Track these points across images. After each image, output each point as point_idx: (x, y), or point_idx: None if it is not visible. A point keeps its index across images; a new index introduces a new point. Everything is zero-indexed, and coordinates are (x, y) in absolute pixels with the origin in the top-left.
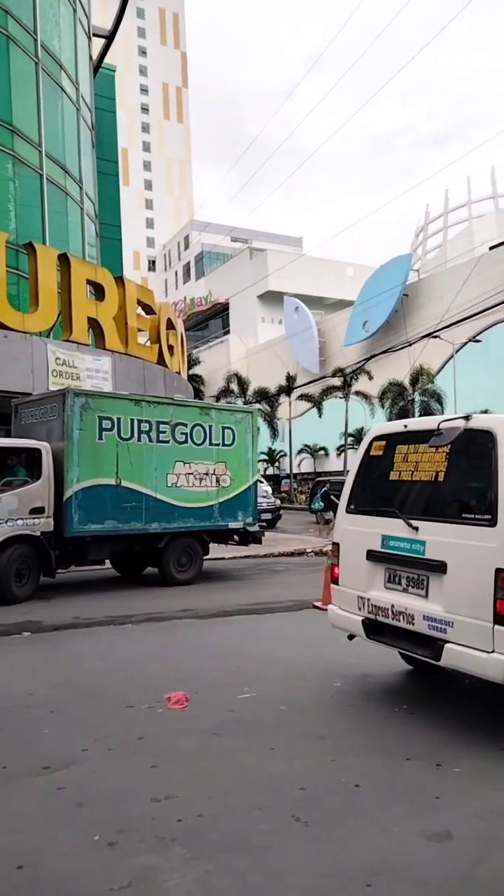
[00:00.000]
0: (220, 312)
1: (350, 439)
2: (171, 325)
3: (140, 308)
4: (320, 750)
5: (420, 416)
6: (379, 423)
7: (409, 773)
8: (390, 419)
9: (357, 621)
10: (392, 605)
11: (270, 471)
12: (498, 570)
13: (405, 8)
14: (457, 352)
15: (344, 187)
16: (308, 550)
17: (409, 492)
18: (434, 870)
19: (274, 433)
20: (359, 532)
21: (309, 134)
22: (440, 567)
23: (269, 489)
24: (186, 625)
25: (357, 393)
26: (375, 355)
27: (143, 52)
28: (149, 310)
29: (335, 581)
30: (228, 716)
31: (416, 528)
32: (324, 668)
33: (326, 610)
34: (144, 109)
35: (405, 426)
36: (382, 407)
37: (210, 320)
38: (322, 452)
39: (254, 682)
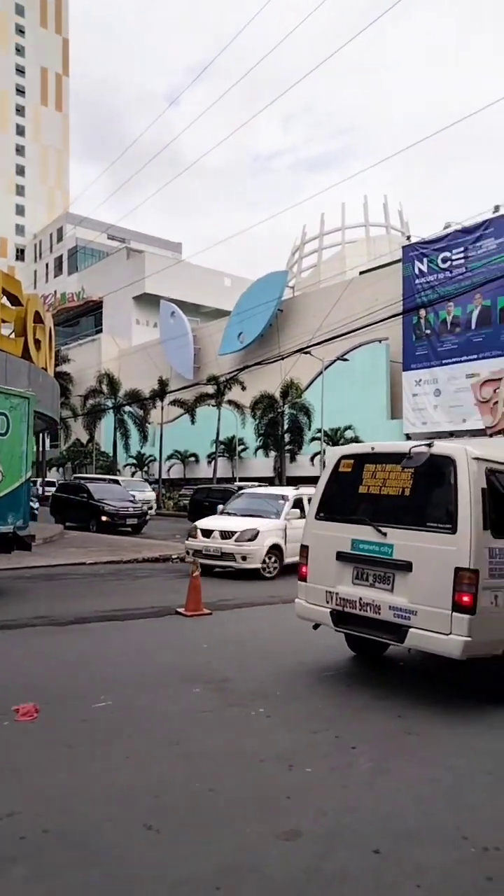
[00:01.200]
0: (92, 310)
1: (221, 447)
2: (38, 319)
3: (5, 298)
4: (175, 757)
5: (288, 427)
6: (250, 432)
7: (262, 776)
8: (260, 429)
9: (325, 612)
10: (360, 598)
11: (139, 475)
12: (457, 569)
13: (296, 31)
14: (326, 368)
15: (222, 201)
16: (174, 556)
17: (377, 503)
18: (282, 867)
19: (144, 437)
20: (328, 536)
21: (189, 143)
22: (406, 566)
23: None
24: (41, 633)
25: (230, 402)
26: (249, 366)
27: (20, 31)
28: (14, 300)
29: (302, 578)
30: (82, 726)
31: (385, 534)
32: (184, 674)
33: (190, 616)
34: (20, 91)
35: (372, 448)
36: (254, 417)
37: (82, 317)
38: (193, 459)
39: (110, 691)
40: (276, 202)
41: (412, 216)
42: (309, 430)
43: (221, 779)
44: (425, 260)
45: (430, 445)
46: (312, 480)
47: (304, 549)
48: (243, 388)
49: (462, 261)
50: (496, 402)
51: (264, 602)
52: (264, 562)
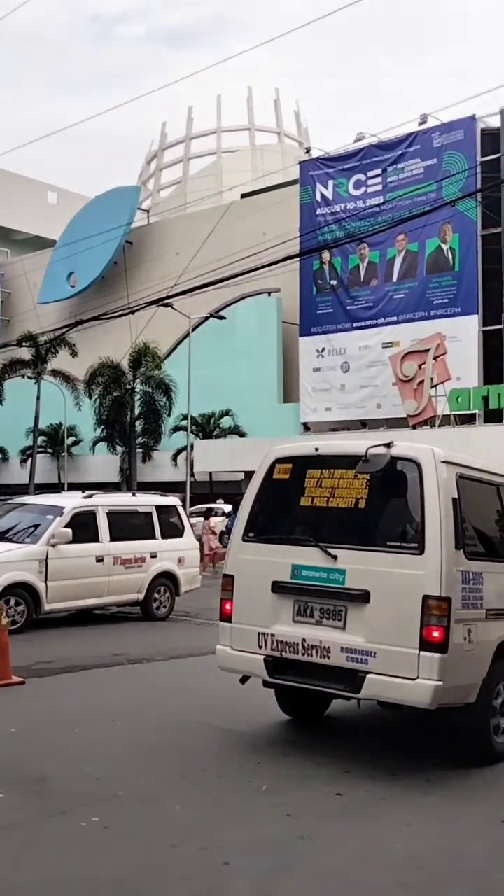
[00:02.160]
0: None
1: (42, 439)
2: None
3: None
4: None
5: (142, 412)
6: (86, 417)
7: None
8: (101, 413)
9: (257, 661)
10: (303, 640)
11: None
12: (425, 598)
13: None
14: (194, 329)
15: (43, 80)
16: None
17: (324, 519)
18: None
19: None
20: (260, 562)
21: None
22: (362, 596)
23: None
24: None
25: (55, 373)
26: (84, 321)
27: None
28: None
29: (226, 619)
30: None
31: (335, 557)
32: None
33: None
34: None
35: (316, 449)
36: (90, 396)
37: None
38: None
39: None
40: (123, 86)
41: (313, 121)
42: (170, 415)
43: None
44: (330, 183)
45: (389, 446)
46: (176, 487)
47: (228, 581)
48: (74, 354)
49: (379, 188)
50: (422, 382)
51: (99, 663)
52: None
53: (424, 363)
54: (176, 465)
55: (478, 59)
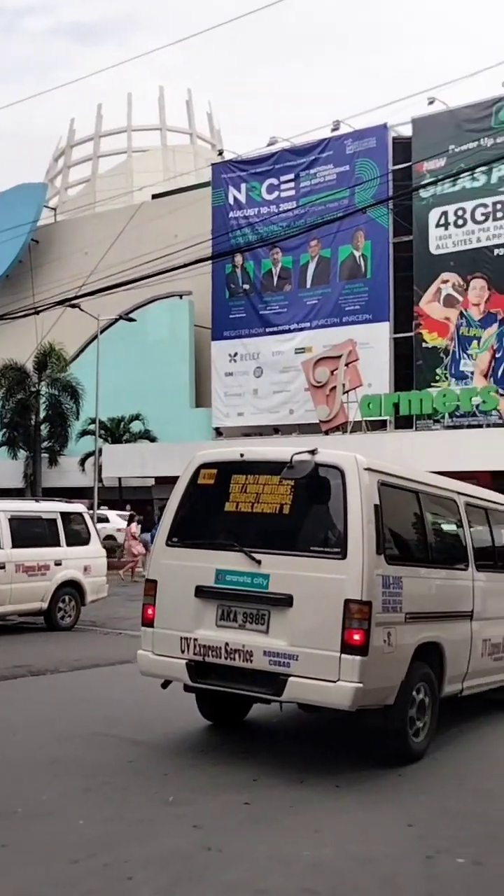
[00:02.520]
0: None
1: None
2: None
3: None
4: None
5: (47, 415)
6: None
7: None
8: (2, 416)
9: (179, 665)
10: (226, 644)
11: None
12: (347, 601)
13: None
14: (103, 331)
15: None
16: None
17: (248, 523)
18: None
19: None
20: (184, 567)
21: None
22: (285, 600)
23: None
24: None
25: None
26: None
27: None
28: None
29: (148, 623)
30: None
31: (259, 562)
32: None
33: None
34: None
35: (241, 455)
36: None
37: None
38: None
39: None
40: (30, 81)
41: (226, 124)
42: (78, 419)
43: None
44: (243, 186)
45: (313, 452)
46: (83, 493)
47: (151, 585)
48: None
49: (292, 192)
50: (334, 388)
51: (2, 676)
52: None
53: (336, 369)
54: (84, 470)
55: (390, 67)
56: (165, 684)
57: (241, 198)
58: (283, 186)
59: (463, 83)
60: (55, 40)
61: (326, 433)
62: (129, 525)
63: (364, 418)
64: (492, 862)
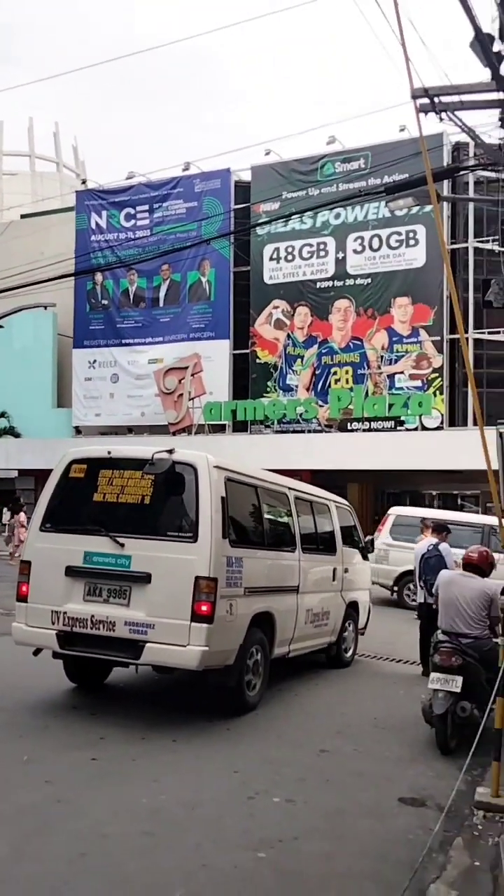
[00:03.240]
0: None
1: None
2: None
3: None
4: None
5: None
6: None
7: None
8: None
9: (49, 635)
10: (91, 616)
11: None
12: (197, 578)
13: None
14: None
15: None
16: None
17: (114, 512)
18: None
19: None
20: (56, 549)
21: None
22: (145, 578)
23: None
24: None
25: None
26: None
27: None
28: None
29: (22, 599)
30: None
31: (123, 545)
32: None
33: None
34: None
35: (108, 452)
36: None
37: None
38: None
39: None
40: None
41: (89, 157)
42: None
43: None
44: (104, 213)
45: (171, 452)
46: None
47: (25, 566)
48: None
49: (146, 221)
50: (181, 395)
51: None
52: None
53: (183, 378)
54: None
55: (235, 119)
56: (37, 652)
57: (102, 223)
58: (139, 216)
59: (295, 138)
60: None
61: (174, 434)
62: (16, 513)
63: (206, 422)
64: (300, 799)
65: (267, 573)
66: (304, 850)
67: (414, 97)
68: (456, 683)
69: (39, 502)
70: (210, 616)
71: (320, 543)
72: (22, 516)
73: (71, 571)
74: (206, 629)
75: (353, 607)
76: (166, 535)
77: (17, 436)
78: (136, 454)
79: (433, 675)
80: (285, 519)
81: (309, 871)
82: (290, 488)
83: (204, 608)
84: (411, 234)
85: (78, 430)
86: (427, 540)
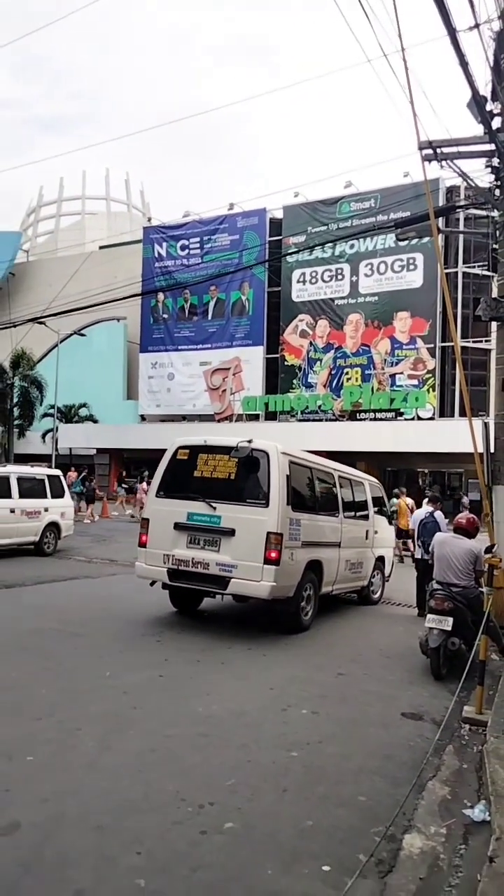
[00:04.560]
0: None
1: None
2: None
3: None
4: None
5: (19, 401)
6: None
7: None
8: None
9: (162, 571)
10: (192, 558)
11: None
12: (268, 533)
13: None
14: (62, 341)
15: None
16: None
17: (208, 484)
18: None
19: None
20: (167, 510)
21: None
22: (230, 532)
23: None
24: None
25: None
26: None
27: None
28: None
29: (142, 545)
30: None
31: (215, 508)
32: None
33: None
34: None
35: (205, 441)
36: None
37: None
38: None
39: None
40: (7, 156)
41: (152, 199)
42: (41, 405)
43: None
44: (165, 244)
45: (250, 441)
46: (44, 459)
47: (145, 522)
48: None
49: (198, 250)
50: (224, 390)
51: None
52: None
53: (226, 377)
54: (44, 442)
55: (271, 166)
56: (153, 583)
57: (163, 252)
58: (191, 246)
59: (319, 184)
60: (25, 127)
61: (218, 421)
62: (141, 483)
63: (244, 412)
64: (323, 711)
65: (317, 531)
66: (327, 751)
67: (420, 148)
68: (447, 623)
69: (155, 476)
70: (277, 560)
71: (357, 510)
72: (145, 485)
73: (178, 526)
74: (274, 570)
75: (380, 560)
76: (246, 502)
77: (95, 422)
78: (225, 443)
79: (429, 616)
80: (331, 492)
81: (330, 767)
82: (335, 469)
83: (273, 555)
84: (411, 261)
85: (143, 418)
86: (425, 508)
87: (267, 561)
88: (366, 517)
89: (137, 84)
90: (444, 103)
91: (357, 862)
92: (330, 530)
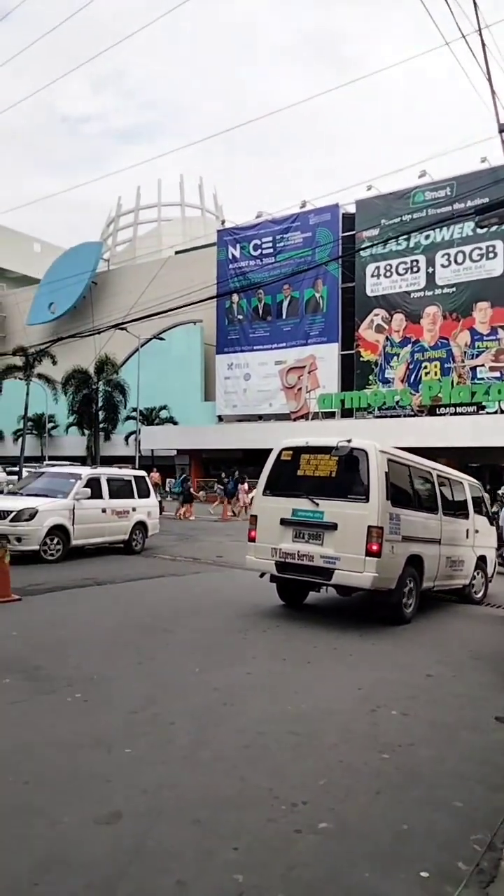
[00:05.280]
0: None
1: (30, 424)
2: None
3: None
4: None
5: (104, 405)
6: (61, 408)
7: (80, 762)
8: (73, 405)
9: (270, 563)
10: (298, 551)
11: None
12: (369, 527)
13: None
14: (142, 346)
15: (29, 164)
16: None
17: (311, 482)
18: (102, 852)
19: None
20: (273, 507)
21: None
22: (333, 526)
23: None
24: None
25: (40, 376)
26: (63, 338)
27: None
28: None
29: (251, 540)
30: None
31: (318, 504)
32: None
33: None
34: None
35: (307, 442)
36: (65, 393)
37: None
38: None
39: None
40: (88, 169)
41: (225, 201)
42: (124, 408)
43: (36, 769)
44: (238, 246)
45: (349, 441)
46: (127, 460)
47: (253, 518)
48: (54, 362)
49: (271, 250)
50: (300, 389)
51: (77, 584)
52: (45, 543)
53: (302, 375)
54: (127, 444)
55: (343, 162)
56: (262, 575)
57: (237, 254)
58: (264, 246)
59: (392, 176)
60: (103, 139)
61: (294, 420)
62: (242, 483)
63: (320, 410)
64: (413, 713)
65: (417, 527)
66: (420, 754)
67: (501, 130)
68: None
69: (262, 476)
70: (378, 552)
71: (457, 509)
72: (246, 486)
73: (284, 522)
74: (376, 562)
75: (482, 560)
76: (347, 498)
77: (175, 423)
78: (326, 443)
79: None
80: (430, 490)
81: (425, 771)
82: (433, 468)
83: (374, 547)
84: (490, 249)
85: (220, 419)
86: None
87: (368, 553)
88: (466, 516)
89: (207, 89)
90: None
91: (456, 869)
92: (429, 527)
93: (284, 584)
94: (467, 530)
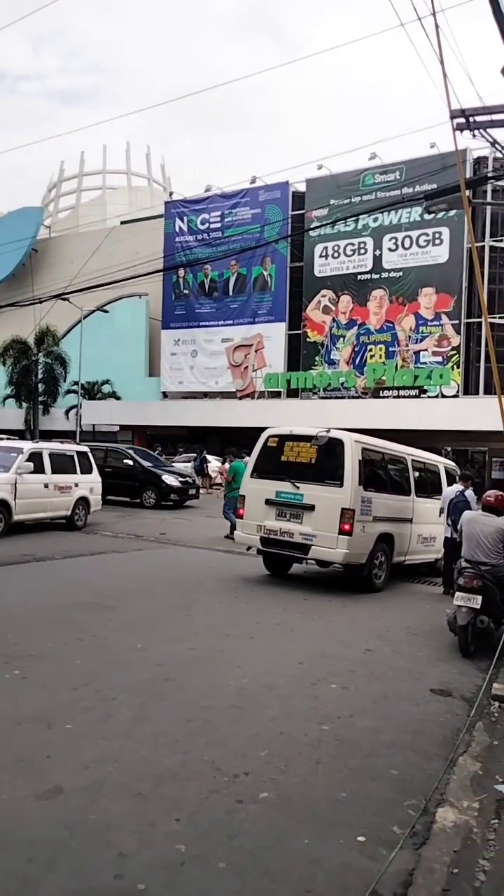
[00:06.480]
0: None
1: None
2: None
3: None
4: None
5: (43, 378)
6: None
7: (20, 738)
8: (12, 379)
9: (256, 539)
10: (280, 528)
11: None
12: (342, 508)
13: None
14: (85, 318)
15: None
16: None
17: (293, 467)
18: (43, 827)
19: None
20: (260, 489)
21: None
22: (311, 507)
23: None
24: None
25: None
26: (1, 307)
27: None
28: None
29: (240, 517)
30: None
31: (298, 487)
32: None
33: None
34: None
35: (290, 431)
36: (3, 363)
37: None
38: None
39: None
40: (26, 130)
41: (173, 174)
42: (65, 381)
43: None
44: (185, 219)
45: (328, 431)
46: (67, 435)
47: (242, 497)
48: None
49: (219, 225)
50: (246, 367)
51: (15, 560)
52: None
53: (248, 354)
54: (68, 418)
55: (294, 140)
56: (249, 548)
57: (185, 227)
58: (212, 221)
59: (343, 157)
60: (43, 100)
61: (240, 398)
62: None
63: (266, 389)
64: (352, 686)
65: (388, 508)
66: (358, 725)
67: (452, 117)
68: (476, 601)
69: (250, 460)
70: (350, 531)
71: (430, 491)
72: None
73: (268, 502)
74: (347, 539)
75: None
76: (324, 482)
77: (117, 398)
78: (307, 432)
79: (458, 594)
80: (403, 474)
81: (362, 741)
82: (408, 454)
83: (346, 527)
84: (437, 235)
85: (165, 395)
86: (455, 486)
87: (341, 532)
88: (439, 497)
89: (155, 56)
90: (478, 73)
91: (391, 833)
92: (401, 508)
93: (269, 556)
94: (441, 509)
